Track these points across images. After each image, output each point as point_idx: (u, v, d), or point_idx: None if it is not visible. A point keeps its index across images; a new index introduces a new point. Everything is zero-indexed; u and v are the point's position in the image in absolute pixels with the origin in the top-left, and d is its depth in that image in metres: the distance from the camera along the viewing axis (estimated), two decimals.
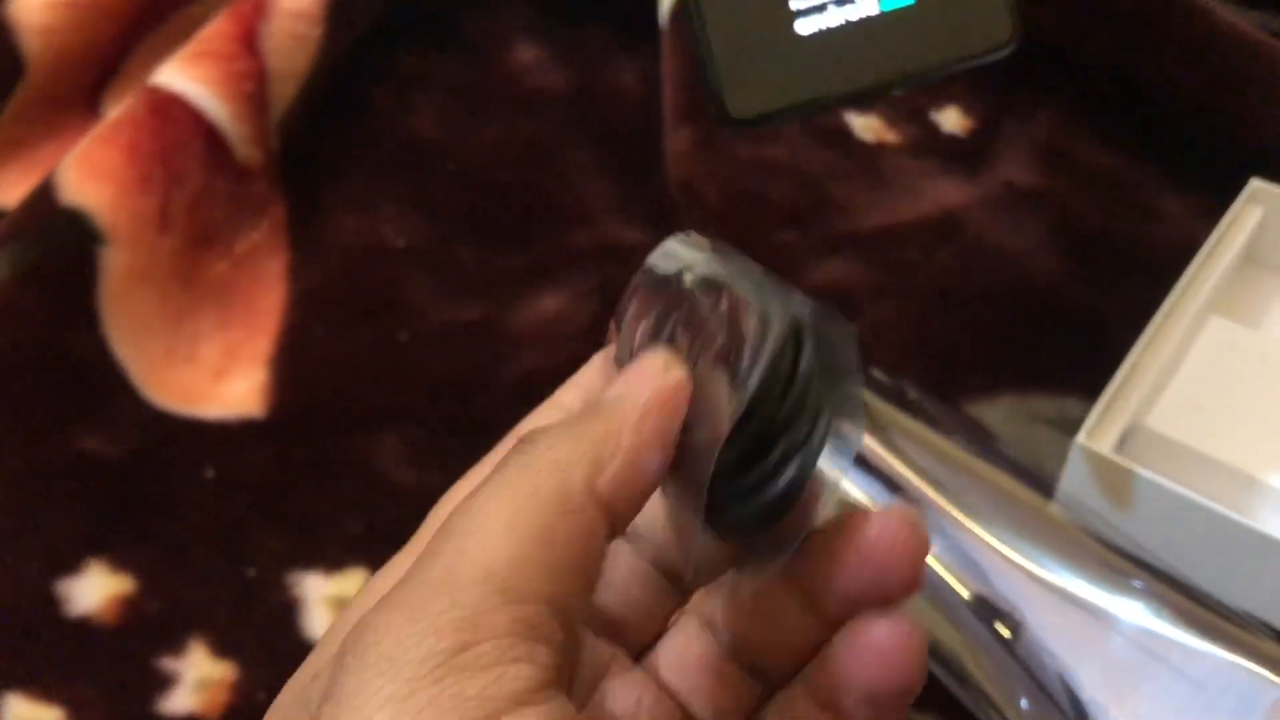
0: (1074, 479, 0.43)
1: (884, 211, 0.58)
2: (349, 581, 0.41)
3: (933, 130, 0.63)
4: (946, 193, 0.59)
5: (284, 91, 0.57)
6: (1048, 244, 0.56)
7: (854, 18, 0.29)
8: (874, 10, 0.29)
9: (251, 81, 0.55)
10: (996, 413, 0.49)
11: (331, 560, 0.42)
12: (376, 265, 0.53)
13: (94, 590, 0.40)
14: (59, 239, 0.47)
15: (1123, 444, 0.44)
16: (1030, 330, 0.52)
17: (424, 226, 0.55)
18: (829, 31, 0.29)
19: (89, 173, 0.50)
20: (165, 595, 0.40)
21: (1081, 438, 0.42)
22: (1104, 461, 0.42)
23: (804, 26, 0.29)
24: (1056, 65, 0.65)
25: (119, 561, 0.41)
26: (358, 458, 0.45)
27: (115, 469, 0.43)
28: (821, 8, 0.29)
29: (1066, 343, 0.52)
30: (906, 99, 0.65)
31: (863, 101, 0.31)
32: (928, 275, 0.55)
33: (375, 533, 0.43)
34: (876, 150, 0.62)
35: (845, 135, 0.63)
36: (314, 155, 0.57)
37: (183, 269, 0.51)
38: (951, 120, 0.64)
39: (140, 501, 0.43)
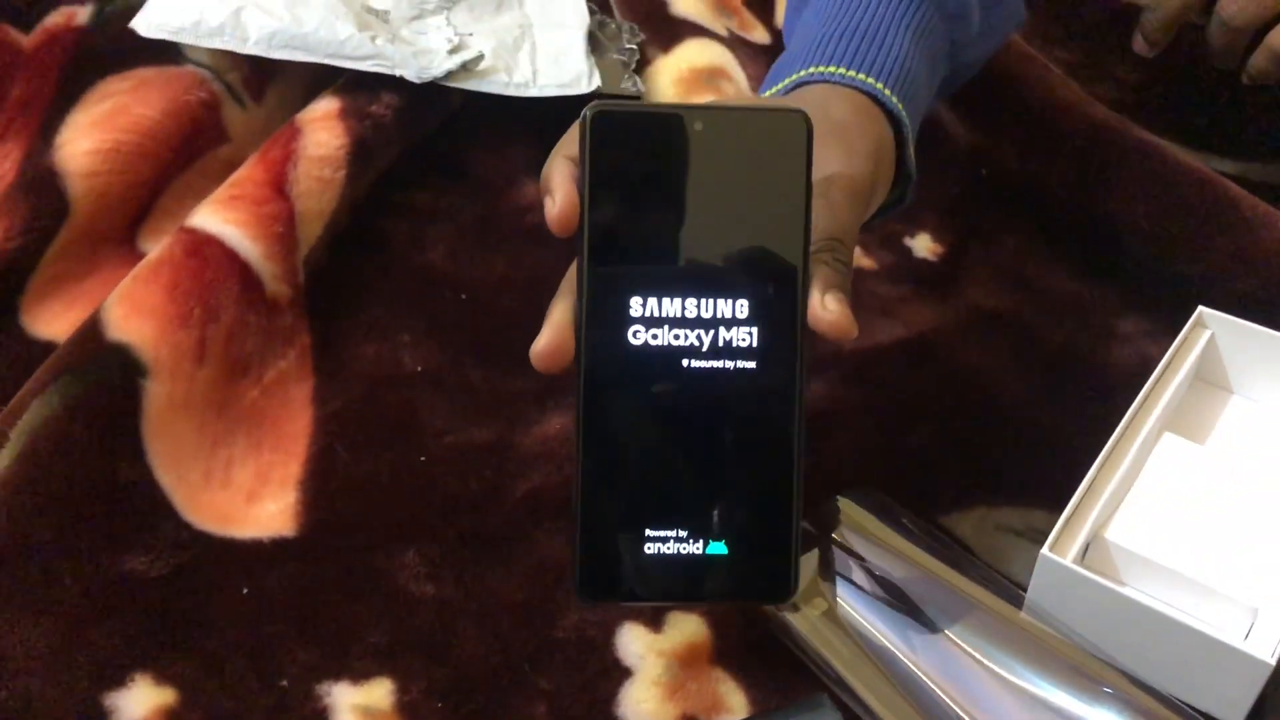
0: (1041, 588, 0.46)
1: (862, 334, 0.62)
2: (376, 691, 0.45)
3: (906, 255, 0.68)
4: (919, 315, 0.64)
5: (310, 231, 0.62)
6: (1012, 363, 0.61)
7: (684, 552, 0.40)
8: (699, 551, 0.40)
9: (281, 223, 0.60)
10: (968, 523, 0.53)
11: (358, 671, 0.45)
12: (395, 389, 0.58)
13: (140, 703, 0.44)
14: (106, 372, 0.52)
15: (1085, 555, 0.48)
16: (998, 445, 0.56)
17: (438, 352, 0.60)
18: (664, 556, 0.40)
19: (133, 309, 0.54)
20: (204, 706, 0.44)
21: (1046, 549, 0.46)
22: (1067, 572, 0.45)
23: (651, 549, 0.40)
24: (1019, 194, 0.70)
25: (162, 675, 0.44)
26: (381, 573, 0.49)
27: (158, 587, 0.47)
28: (665, 540, 0.40)
29: (1031, 457, 0.56)
30: (880, 227, 0.70)
31: (671, 606, 0.46)
32: (903, 393, 0.59)
33: (398, 644, 0.46)
34: (855, 275, 0.67)
35: None
36: (336, 288, 0.62)
37: (218, 398, 0.55)
38: (923, 245, 0.69)
39: (181, 617, 0.46)
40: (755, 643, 0.47)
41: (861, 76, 0.48)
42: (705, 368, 0.40)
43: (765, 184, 0.40)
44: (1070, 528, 0.47)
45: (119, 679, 0.44)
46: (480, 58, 0.69)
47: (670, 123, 0.40)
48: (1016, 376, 0.60)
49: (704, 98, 0.71)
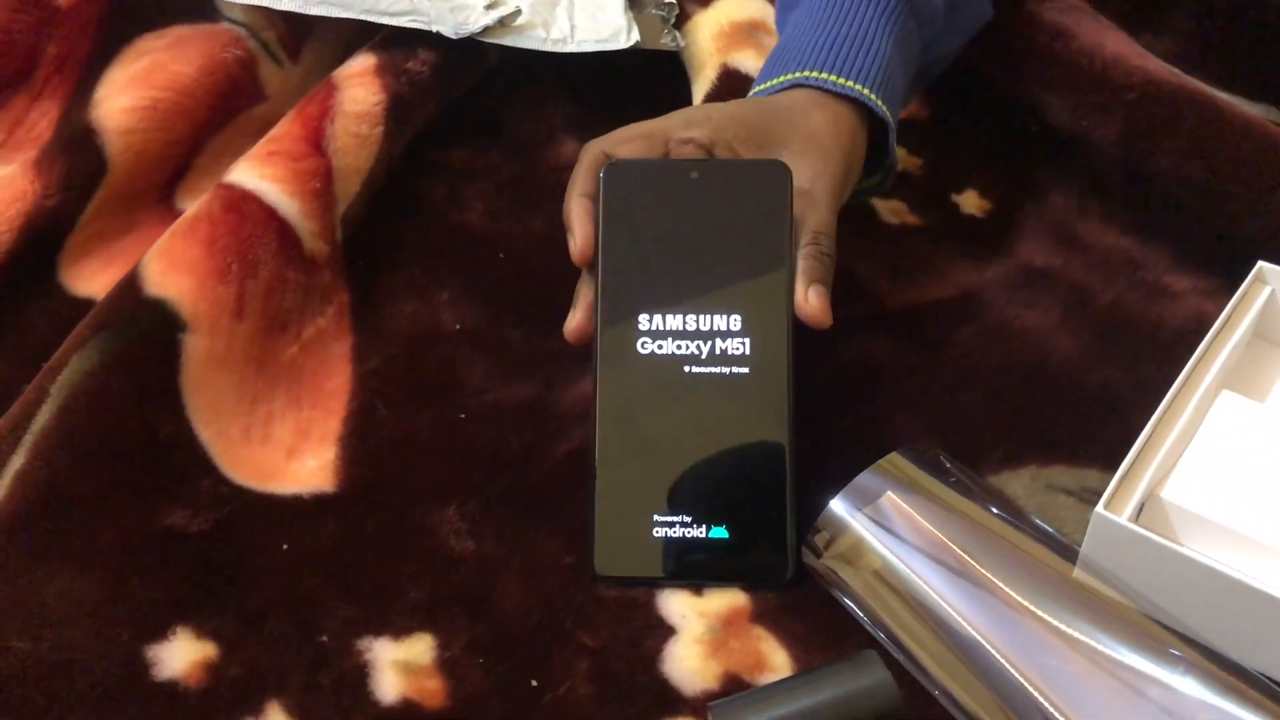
0: (1095, 547, 0.45)
1: (907, 292, 0.61)
2: (416, 646, 0.44)
3: (953, 211, 0.67)
4: (967, 274, 0.62)
5: (348, 188, 0.61)
6: (1062, 321, 0.59)
7: (689, 535, 0.46)
8: (703, 535, 0.46)
9: (319, 179, 0.60)
10: (1019, 483, 0.52)
11: (399, 627, 0.45)
12: (433, 347, 0.57)
13: (181, 656, 0.43)
14: (145, 327, 0.51)
15: (1140, 514, 0.47)
16: (1049, 404, 0.55)
17: (477, 311, 0.59)
18: (672, 539, 0.46)
19: (171, 265, 0.54)
20: (245, 661, 0.44)
21: (1101, 507, 0.45)
22: (1122, 530, 0.44)
23: (659, 532, 0.46)
24: (1069, 150, 0.68)
25: (203, 629, 0.44)
26: (421, 530, 0.48)
27: (198, 542, 0.47)
28: (672, 524, 0.46)
29: (1083, 416, 0.55)
30: (927, 183, 0.69)
31: (678, 586, 0.47)
32: (951, 352, 0.58)
33: (438, 600, 0.46)
34: (900, 232, 0.65)
35: (871, 218, 0.66)
36: (374, 247, 0.61)
37: (257, 353, 0.54)
38: (970, 202, 0.68)
39: (221, 572, 0.46)
40: (791, 605, 0.46)
41: (851, 84, 0.54)
42: (704, 373, 0.47)
43: (753, 221, 0.48)
44: (1125, 486, 0.46)
45: (160, 632, 0.44)
46: (517, 13, 0.68)
47: (673, 172, 0.49)
48: (1067, 335, 0.59)
49: (744, 52, 0.70)
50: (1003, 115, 0.70)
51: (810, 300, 0.48)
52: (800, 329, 0.48)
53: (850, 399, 0.55)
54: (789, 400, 0.47)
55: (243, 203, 0.57)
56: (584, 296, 0.49)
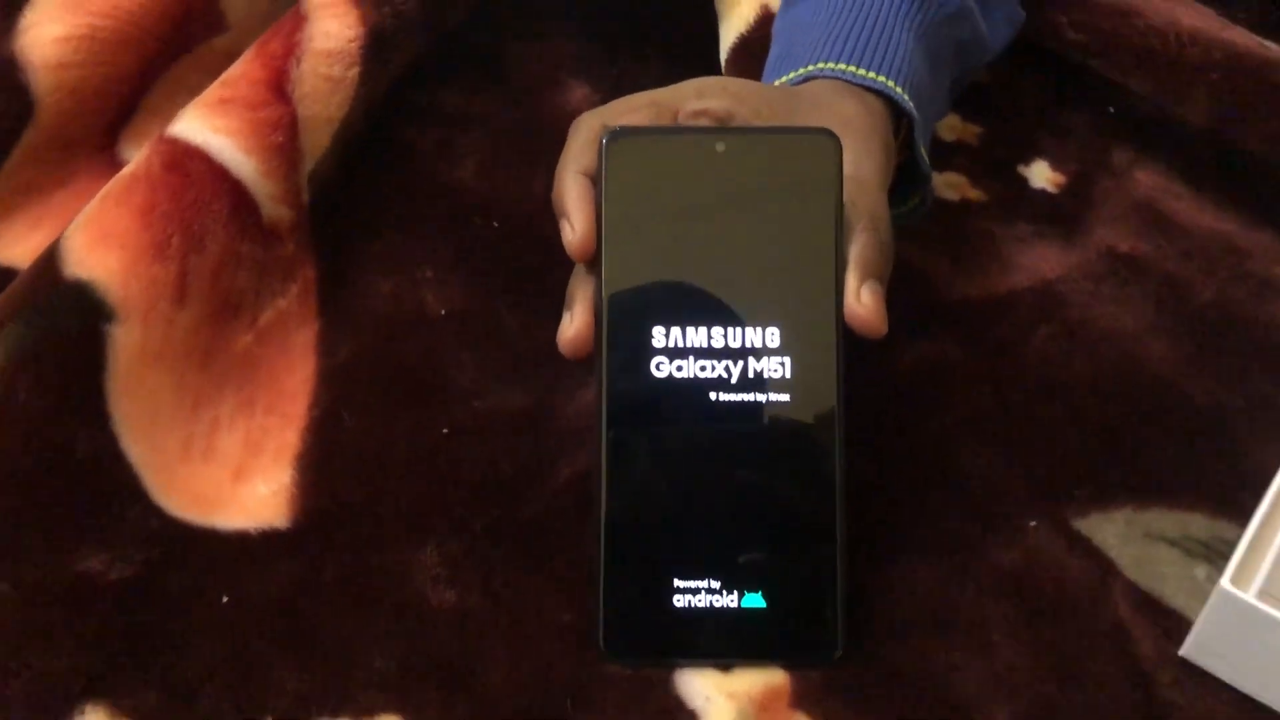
0: (1216, 626, 0.37)
1: (973, 282, 0.52)
2: None
3: (1021, 185, 0.58)
4: (1042, 259, 0.53)
5: (316, 141, 0.52)
6: (1156, 321, 0.51)
7: (717, 605, 0.38)
8: (734, 604, 0.38)
9: (281, 131, 0.50)
10: (1112, 529, 0.43)
11: (360, 705, 0.37)
12: (414, 337, 0.48)
13: None
14: (62, 317, 0.42)
15: (1269, 583, 0.38)
16: (1144, 425, 0.47)
17: (466, 291, 0.50)
18: (696, 610, 0.38)
19: (97, 238, 0.45)
20: None
21: (1227, 582, 0.36)
22: (1255, 612, 0.36)
23: (680, 601, 0.38)
24: (1151, 129, 0.59)
25: (119, 706, 0.36)
26: (391, 576, 0.40)
27: (118, 593, 0.38)
28: (697, 592, 0.38)
29: (1184, 441, 0.46)
30: (988, 153, 0.59)
31: (704, 665, 0.39)
32: (1027, 359, 0.49)
33: (409, 670, 0.38)
34: (960, 209, 0.56)
35: None
36: (347, 211, 0.52)
37: (201, 346, 0.46)
38: (1041, 175, 0.58)
39: (146, 633, 0.38)
40: (840, 685, 0.38)
41: (872, 75, 0.46)
42: (735, 401, 0.38)
43: (793, 206, 0.38)
44: (1255, 551, 0.38)
45: (64, 711, 0.36)
46: None
47: (692, 145, 0.39)
48: (1163, 338, 0.50)
49: None
50: (1073, 86, 0.61)
51: (864, 299, 0.38)
52: (849, 337, 0.39)
53: (907, 418, 0.46)
54: (839, 436, 0.38)
55: (187, 160, 0.48)
56: (581, 299, 0.39)
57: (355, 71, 0.54)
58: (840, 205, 0.39)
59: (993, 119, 0.60)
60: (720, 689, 0.38)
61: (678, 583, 0.38)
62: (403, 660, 0.38)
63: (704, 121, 0.41)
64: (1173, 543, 0.43)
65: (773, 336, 0.38)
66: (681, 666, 0.38)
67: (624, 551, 0.38)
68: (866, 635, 0.39)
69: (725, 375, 0.38)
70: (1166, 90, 0.57)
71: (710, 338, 0.38)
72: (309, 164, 0.51)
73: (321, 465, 0.43)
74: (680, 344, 0.38)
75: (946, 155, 0.58)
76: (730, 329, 0.38)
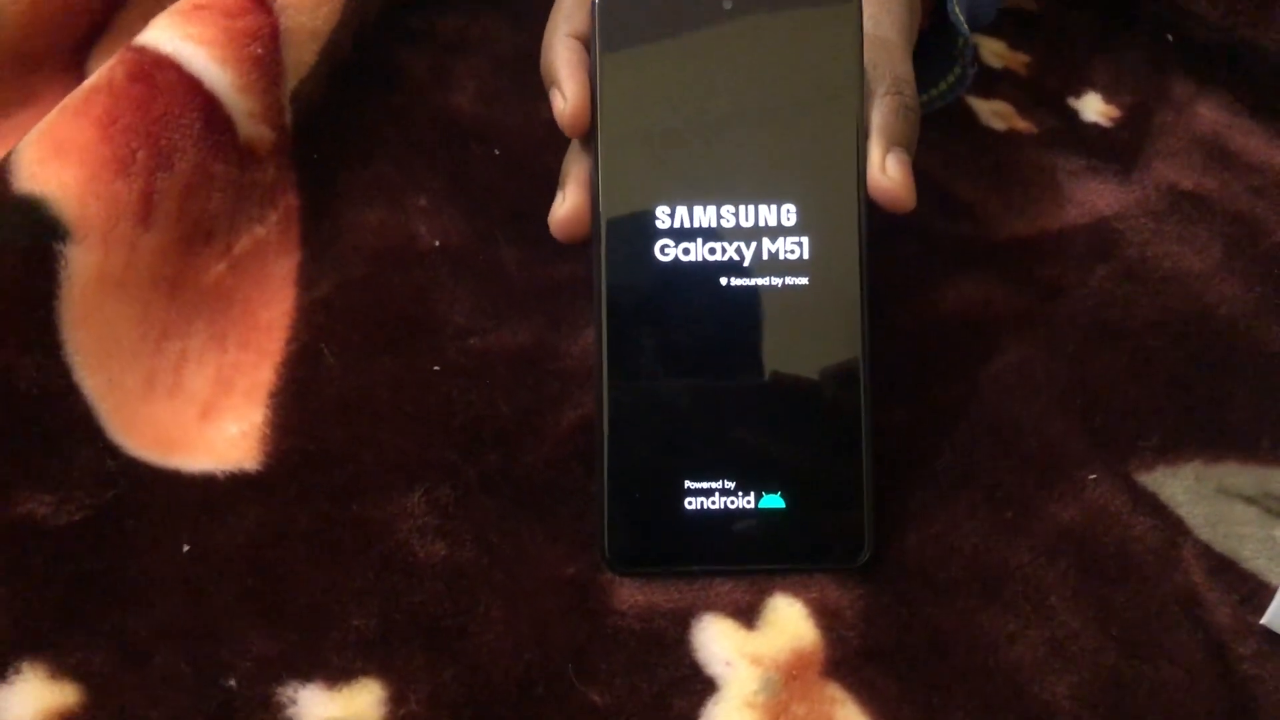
0: None
1: (1023, 217, 0.48)
2: (358, 699, 0.32)
3: (1071, 118, 0.53)
4: (1097, 195, 0.49)
5: (300, 56, 0.47)
6: (1225, 261, 0.46)
7: (732, 506, 0.34)
8: (750, 505, 0.34)
9: (261, 43, 0.46)
10: (1179, 484, 0.39)
11: (334, 669, 0.33)
12: (404, 270, 0.44)
13: (25, 704, 0.31)
14: (9, 235, 0.38)
15: None
16: (1214, 374, 0.42)
17: (462, 222, 0.46)
18: (709, 513, 0.34)
19: (52, 151, 0.40)
20: (118, 712, 0.31)
21: None
22: None
23: (692, 504, 0.34)
24: (1215, 58, 0.54)
25: (61, 665, 0.32)
26: (373, 526, 0.36)
27: (66, 540, 0.34)
28: (710, 493, 0.34)
29: (1260, 392, 0.42)
30: (1036, 84, 0.55)
31: (719, 573, 0.35)
32: (1083, 301, 0.44)
33: (391, 631, 0.33)
34: (1007, 140, 0.52)
35: (970, 120, 0.52)
36: (334, 134, 0.48)
37: (169, 273, 0.41)
38: (1093, 107, 0.54)
39: (94, 586, 0.33)
40: (881, 652, 0.34)
41: None
42: (748, 286, 0.35)
43: (808, 70, 0.35)
44: None
45: None
46: None
47: (695, 2, 0.35)
48: (1233, 280, 0.45)
49: None
50: (1126, 14, 0.56)
51: (889, 169, 0.35)
52: (873, 213, 0.35)
53: (951, 364, 0.42)
54: (864, 322, 0.35)
55: (156, 70, 0.43)
56: (575, 177, 0.36)
57: None
58: (860, 67, 0.35)
59: (1041, 48, 0.55)
60: (742, 650, 0.33)
61: (688, 484, 0.35)
62: (384, 619, 0.34)
63: None
64: (1250, 500, 0.38)
65: (789, 214, 0.35)
66: (694, 575, 0.35)
67: (629, 451, 0.34)
68: (910, 597, 0.35)
69: (737, 258, 0.35)
70: (1239, 11, 0.52)
71: (720, 217, 0.35)
72: (291, 81, 0.47)
73: (298, 404, 0.39)
74: (686, 224, 0.35)
75: (991, 83, 0.53)
76: (742, 207, 0.35)
